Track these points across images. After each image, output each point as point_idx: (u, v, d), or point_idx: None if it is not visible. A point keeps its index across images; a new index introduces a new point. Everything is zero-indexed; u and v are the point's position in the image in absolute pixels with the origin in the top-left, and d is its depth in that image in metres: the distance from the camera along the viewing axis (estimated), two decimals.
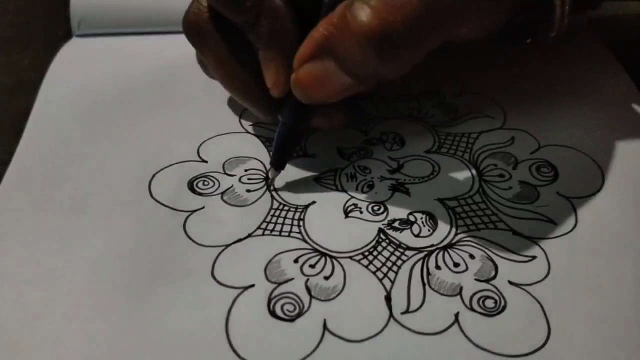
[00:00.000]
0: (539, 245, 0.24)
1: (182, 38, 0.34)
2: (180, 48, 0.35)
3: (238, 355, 0.20)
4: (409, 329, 0.21)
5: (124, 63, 0.34)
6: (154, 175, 0.27)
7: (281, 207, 0.26)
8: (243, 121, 0.31)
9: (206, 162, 0.28)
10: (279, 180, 0.27)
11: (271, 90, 0.25)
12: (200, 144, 0.29)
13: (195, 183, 0.27)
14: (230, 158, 0.28)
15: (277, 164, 0.26)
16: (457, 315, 0.22)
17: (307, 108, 0.25)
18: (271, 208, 0.26)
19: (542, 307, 0.22)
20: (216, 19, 0.26)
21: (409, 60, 0.22)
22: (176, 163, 0.28)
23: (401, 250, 0.24)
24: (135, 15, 0.36)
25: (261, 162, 0.28)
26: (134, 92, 0.32)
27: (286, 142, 0.26)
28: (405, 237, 0.25)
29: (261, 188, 0.27)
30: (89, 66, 0.34)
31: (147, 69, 0.34)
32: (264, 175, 0.27)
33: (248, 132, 0.30)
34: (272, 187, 0.26)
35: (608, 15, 0.35)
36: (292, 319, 0.21)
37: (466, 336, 0.21)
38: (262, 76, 0.25)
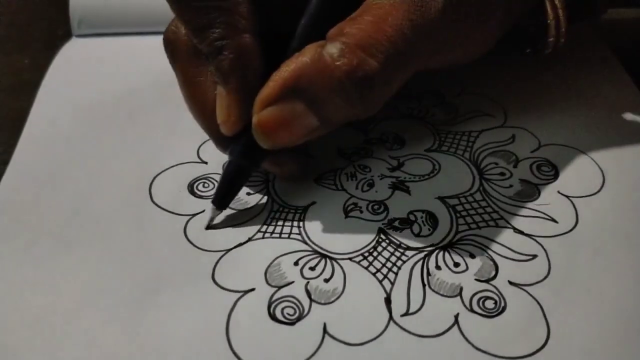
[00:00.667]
0: (540, 244, 0.24)
1: None
2: None
3: (239, 358, 0.20)
4: (409, 332, 0.21)
5: (124, 63, 0.34)
6: (154, 178, 0.27)
7: (281, 209, 0.26)
8: None
9: (206, 163, 0.28)
10: (279, 183, 0.27)
11: (221, 127, 0.24)
12: (201, 145, 0.29)
13: (195, 185, 0.27)
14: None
15: (220, 204, 0.25)
16: (457, 316, 0.22)
17: (260, 150, 0.23)
18: (271, 211, 0.26)
19: (541, 307, 0.22)
20: (188, 42, 0.25)
21: (385, 97, 0.22)
22: (176, 165, 0.28)
23: (401, 251, 0.24)
24: (135, 15, 0.35)
25: None
26: (133, 92, 0.32)
27: (233, 181, 0.25)
28: (406, 236, 0.25)
29: (261, 191, 0.27)
30: (88, 66, 0.34)
31: (147, 69, 0.34)
32: (264, 177, 0.27)
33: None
34: (207, 227, 0.25)
35: (609, 17, 0.35)
36: (292, 323, 0.21)
37: (466, 338, 0.21)
38: None
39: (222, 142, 0.25)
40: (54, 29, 0.38)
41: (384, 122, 0.31)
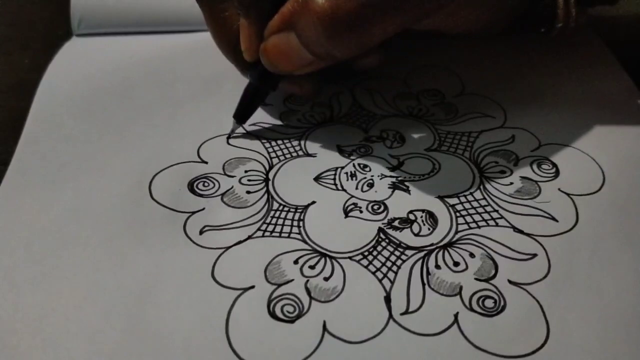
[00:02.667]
0: (540, 243, 0.24)
1: (183, 37, 0.35)
2: (181, 47, 0.35)
3: (238, 357, 0.20)
4: (409, 330, 0.21)
5: (124, 63, 0.34)
6: (154, 176, 0.27)
7: (281, 208, 0.26)
8: None
9: (206, 162, 0.28)
10: (280, 180, 0.27)
11: (244, 54, 0.27)
12: (201, 145, 0.29)
13: (195, 184, 0.27)
14: (231, 159, 0.28)
15: (240, 118, 0.29)
16: (456, 315, 0.22)
17: (273, 74, 0.27)
18: (271, 209, 0.26)
19: (541, 306, 0.22)
20: None
21: (358, 44, 0.24)
22: (177, 164, 0.28)
23: (401, 250, 0.24)
24: (135, 15, 0.35)
25: (261, 163, 0.28)
26: (133, 91, 0.32)
27: (252, 99, 0.29)
28: (405, 236, 0.25)
29: (261, 189, 0.27)
30: (88, 66, 0.34)
31: (147, 69, 0.34)
32: (264, 177, 0.27)
33: (248, 132, 0.30)
34: (229, 136, 0.29)
35: (608, 15, 0.35)
36: (292, 320, 0.21)
37: (465, 337, 0.21)
38: None
39: (244, 67, 0.29)
40: (54, 29, 0.38)
41: (384, 120, 0.31)
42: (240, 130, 0.30)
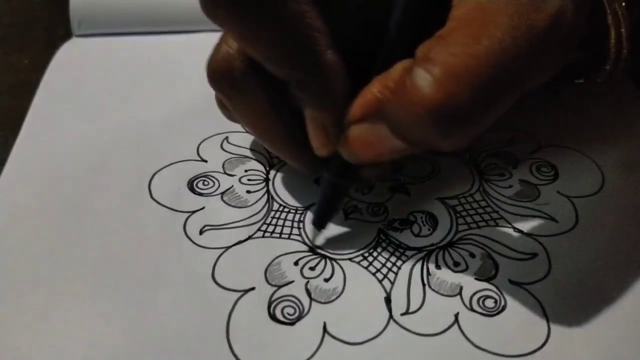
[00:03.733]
0: (540, 243, 0.24)
1: (183, 38, 0.34)
2: (181, 48, 0.35)
3: (238, 359, 0.20)
4: (409, 330, 0.21)
5: (124, 63, 0.34)
6: (153, 175, 0.27)
7: (281, 208, 0.26)
8: None
9: (206, 161, 0.28)
10: (280, 181, 0.27)
11: (318, 151, 0.23)
12: (200, 143, 0.29)
13: (195, 183, 0.27)
14: (231, 157, 0.28)
15: (320, 224, 0.24)
16: (457, 315, 0.22)
17: (354, 166, 0.23)
18: (271, 210, 0.26)
19: (542, 306, 0.22)
20: (251, 66, 0.22)
21: (477, 131, 0.19)
22: (176, 162, 0.28)
23: (401, 251, 0.24)
24: (135, 15, 0.35)
25: (261, 163, 0.28)
26: (133, 90, 0.32)
27: (331, 200, 0.24)
28: (405, 237, 0.25)
29: (261, 189, 0.27)
30: (88, 66, 0.34)
31: (147, 69, 0.34)
32: (264, 177, 0.27)
33: (248, 131, 0.30)
34: (313, 245, 0.24)
35: None
36: (292, 322, 0.21)
37: (466, 337, 0.21)
38: (304, 130, 0.23)
39: (311, 166, 0.24)
40: (54, 29, 0.38)
41: None
42: (321, 236, 0.25)
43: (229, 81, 0.23)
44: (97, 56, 0.35)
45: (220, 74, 0.23)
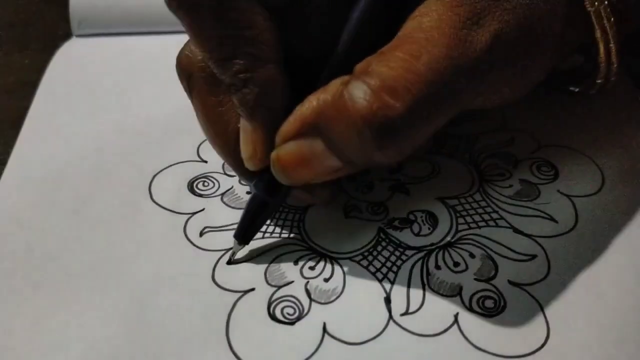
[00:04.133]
0: (539, 244, 0.24)
1: (182, 38, 0.34)
2: (180, 48, 0.35)
3: (239, 359, 0.20)
4: (409, 331, 0.21)
5: (124, 63, 0.34)
6: (154, 177, 0.27)
7: (280, 209, 0.26)
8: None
9: (206, 162, 0.28)
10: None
11: (246, 163, 0.22)
12: (200, 144, 0.29)
13: (195, 184, 0.27)
14: None
15: (242, 238, 0.24)
16: (456, 316, 0.22)
17: (284, 185, 0.22)
18: None
19: (541, 307, 0.22)
20: (205, 69, 0.23)
21: (411, 146, 0.20)
22: (176, 163, 0.28)
23: (401, 250, 0.24)
24: (135, 15, 0.35)
25: None
26: (133, 90, 0.32)
27: (256, 216, 0.23)
28: (405, 236, 0.25)
29: None
30: (88, 66, 0.34)
31: (147, 69, 0.34)
32: None
33: None
34: (231, 260, 0.24)
35: None
36: (292, 322, 0.21)
37: (465, 337, 0.21)
38: None
39: (246, 175, 0.24)
40: (54, 29, 0.38)
41: None
42: (242, 251, 0.24)
43: (187, 76, 0.24)
44: (97, 56, 0.35)
45: (180, 67, 0.24)
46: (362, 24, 0.20)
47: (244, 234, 0.24)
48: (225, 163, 0.25)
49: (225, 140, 0.23)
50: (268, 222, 0.25)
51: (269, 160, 0.21)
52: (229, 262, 0.24)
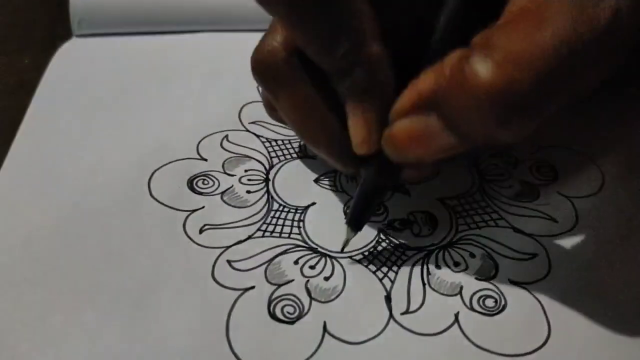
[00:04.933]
0: (540, 243, 0.24)
1: (182, 37, 0.34)
2: (180, 47, 0.35)
3: (238, 358, 0.20)
4: (409, 330, 0.21)
5: (124, 63, 0.34)
6: (153, 173, 0.27)
7: (281, 208, 0.26)
8: (242, 118, 0.31)
9: (206, 160, 0.28)
10: (280, 181, 0.27)
11: (357, 147, 0.21)
12: (200, 141, 0.29)
13: (195, 182, 0.27)
14: (231, 157, 0.28)
15: (356, 225, 0.23)
16: (457, 315, 0.22)
17: (396, 165, 0.21)
18: (271, 209, 0.26)
19: (542, 305, 0.22)
20: (294, 59, 0.22)
21: (535, 123, 0.19)
22: (176, 160, 0.28)
23: (401, 250, 0.24)
24: (135, 15, 0.35)
25: (261, 163, 0.28)
26: (133, 89, 0.32)
27: (368, 200, 0.23)
28: (406, 237, 0.25)
29: (261, 189, 0.27)
30: (88, 66, 0.34)
31: (147, 69, 0.34)
32: (264, 177, 0.27)
33: (248, 130, 0.30)
34: (343, 250, 0.24)
35: None
36: (292, 321, 0.21)
37: (466, 336, 0.21)
38: (346, 127, 0.22)
39: (351, 163, 0.23)
40: (54, 29, 0.38)
41: None
42: (355, 238, 0.24)
43: (273, 73, 0.22)
44: (97, 56, 0.35)
45: (264, 66, 0.23)
46: None
47: (357, 220, 0.23)
48: (326, 156, 0.24)
49: (326, 133, 0.23)
50: (268, 221, 0.25)
51: (380, 145, 0.21)
52: (342, 250, 0.24)
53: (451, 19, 0.20)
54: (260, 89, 0.31)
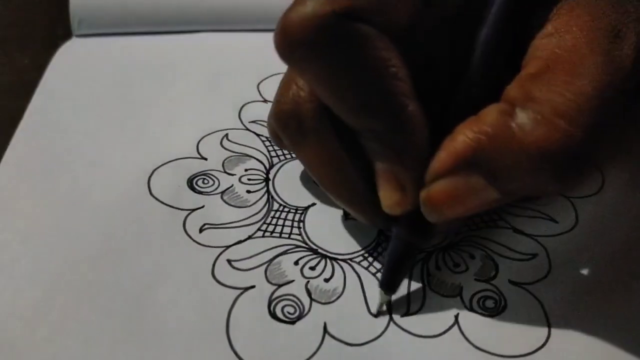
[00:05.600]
0: (540, 243, 0.24)
1: (182, 38, 0.33)
2: (181, 47, 0.35)
3: (238, 357, 0.20)
4: (409, 332, 0.21)
5: (124, 63, 0.34)
6: (153, 172, 0.27)
7: (281, 208, 0.26)
8: (242, 117, 0.31)
9: (206, 159, 0.28)
10: (280, 181, 0.27)
11: (390, 209, 0.20)
12: (200, 140, 0.29)
13: (195, 181, 0.27)
14: (231, 156, 0.28)
15: (390, 286, 0.22)
16: (457, 316, 0.22)
17: (428, 222, 0.20)
18: (271, 209, 0.26)
19: (542, 306, 0.22)
20: (321, 112, 0.21)
21: (588, 173, 0.19)
22: (176, 159, 0.28)
23: None
24: (135, 15, 0.35)
25: (261, 162, 0.28)
26: (133, 89, 0.32)
27: (402, 259, 0.22)
28: None
29: (261, 189, 0.27)
30: (88, 65, 0.34)
31: (147, 68, 0.33)
32: (264, 176, 0.27)
33: (248, 129, 0.30)
34: (377, 314, 0.22)
35: None
36: (292, 322, 0.21)
37: (466, 338, 0.21)
38: (372, 182, 0.21)
39: (379, 219, 0.22)
40: (54, 29, 0.38)
41: None
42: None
43: (297, 125, 0.21)
44: (97, 56, 0.35)
45: (288, 115, 0.22)
46: (495, 40, 0.19)
47: (390, 282, 0.22)
48: (350, 210, 0.23)
49: (352, 190, 0.22)
50: (268, 221, 0.25)
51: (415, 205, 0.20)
52: (377, 315, 0.22)
53: (481, 67, 0.19)
54: (261, 93, 0.31)
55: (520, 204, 0.26)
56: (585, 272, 0.23)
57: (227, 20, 0.36)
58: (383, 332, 0.21)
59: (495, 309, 0.22)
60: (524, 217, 0.25)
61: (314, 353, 0.20)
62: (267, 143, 0.29)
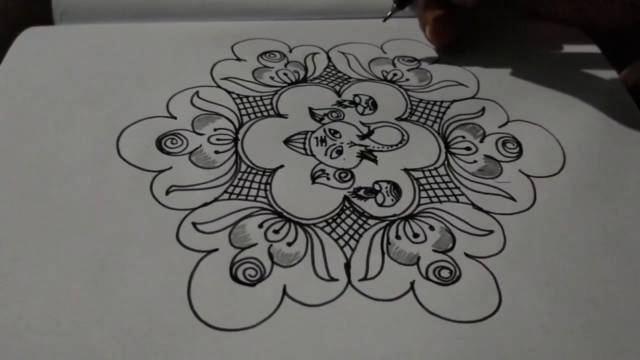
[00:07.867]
0: (497, 221, 0.25)
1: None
2: (156, 34, 0.33)
3: (198, 318, 0.21)
4: (365, 295, 0.22)
5: (95, 32, 0.33)
6: (122, 132, 0.27)
7: (249, 170, 0.26)
8: (214, 74, 0.30)
9: (175, 118, 0.28)
10: (249, 141, 0.27)
11: None
12: (170, 98, 0.29)
13: (163, 141, 0.27)
14: (200, 114, 0.28)
15: (401, 2, 0.31)
16: (412, 283, 0.23)
17: None
18: (238, 171, 0.26)
19: (495, 278, 0.23)
20: None
21: None
22: (145, 118, 0.27)
23: (364, 219, 0.24)
24: (119, 7, 0.34)
25: (231, 121, 0.28)
26: (104, 56, 0.31)
27: None
28: (369, 206, 0.25)
29: (230, 149, 0.27)
30: (57, 36, 0.32)
31: (118, 33, 0.32)
32: (233, 136, 0.27)
33: (219, 86, 0.29)
34: (386, 18, 0.32)
35: None
36: (253, 284, 0.22)
37: (420, 303, 0.22)
38: None
39: None
40: (37, 22, 0.35)
41: (358, 83, 0.31)
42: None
43: None
44: (67, 37, 0.33)
45: None
46: None
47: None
48: None
49: None
50: (235, 183, 0.25)
51: None
52: (385, 20, 0.32)
53: None
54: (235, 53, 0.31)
55: (481, 177, 0.27)
56: (538, 249, 0.24)
57: (207, 13, 0.34)
58: (340, 295, 0.22)
59: (450, 278, 0.23)
60: (485, 195, 0.26)
61: (272, 313, 0.21)
62: (238, 100, 0.29)
